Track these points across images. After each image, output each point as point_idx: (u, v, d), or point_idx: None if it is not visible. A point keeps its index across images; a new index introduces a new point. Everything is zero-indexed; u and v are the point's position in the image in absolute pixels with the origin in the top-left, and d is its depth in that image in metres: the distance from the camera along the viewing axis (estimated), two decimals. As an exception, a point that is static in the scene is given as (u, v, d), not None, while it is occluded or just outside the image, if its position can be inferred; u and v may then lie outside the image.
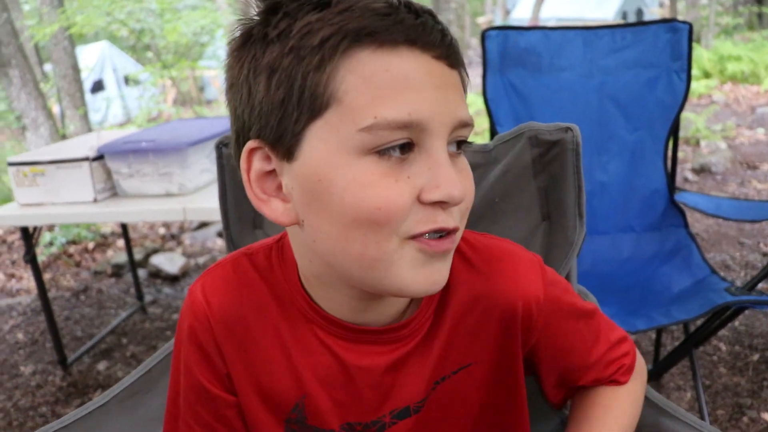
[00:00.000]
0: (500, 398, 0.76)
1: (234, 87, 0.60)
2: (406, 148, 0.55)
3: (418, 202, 0.55)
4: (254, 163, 0.60)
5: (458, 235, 0.60)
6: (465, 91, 0.61)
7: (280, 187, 0.60)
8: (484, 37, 1.88)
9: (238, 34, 0.59)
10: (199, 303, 0.70)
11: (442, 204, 0.56)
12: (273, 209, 0.60)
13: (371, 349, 0.69)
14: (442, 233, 0.57)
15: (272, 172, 0.60)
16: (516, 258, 0.74)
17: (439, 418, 0.73)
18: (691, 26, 1.83)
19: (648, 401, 0.86)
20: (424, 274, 0.58)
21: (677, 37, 1.84)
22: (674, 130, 1.91)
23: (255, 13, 0.58)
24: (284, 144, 0.57)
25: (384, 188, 0.54)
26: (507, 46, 1.90)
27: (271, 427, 0.72)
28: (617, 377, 0.79)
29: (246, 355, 0.70)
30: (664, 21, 1.86)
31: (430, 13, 0.57)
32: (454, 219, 0.58)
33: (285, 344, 0.69)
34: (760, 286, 2.61)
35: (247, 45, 0.58)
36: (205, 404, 0.72)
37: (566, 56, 1.91)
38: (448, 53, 0.57)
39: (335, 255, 0.59)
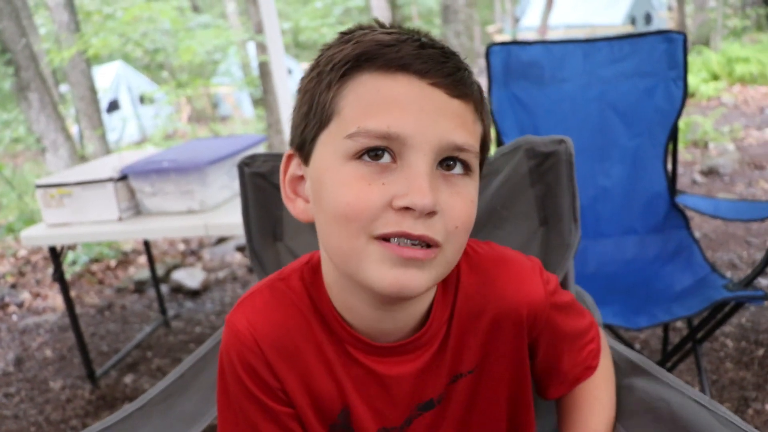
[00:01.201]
0: (511, 392, 0.85)
1: (294, 108, 0.72)
2: (384, 157, 0.62)
3: (390, 207, 0.61)
4: (290, 167, 0.73)
5: (442, 251, 0.64)
6: (482, 120, 0.68)
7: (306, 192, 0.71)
8: (488, 52, 1.95)
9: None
10: (243, 330, 0.75)
11: (411, 211, 0.61)
12: (296, 206, 0.72)
13: (398, 359, 0.76)
14: (412, 240, 0.61)
15: (302, 178, 0.72)
16: (517, 264, 0.82)
17: (458, 409, 0.82)
18: (685, 36, 1.91)
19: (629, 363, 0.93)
20: (393, 275, 0.62)
21: (673, 47, 1.91)
22: (673, 136, 1.98)
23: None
24: (305, 150, 0.69)
25: (356, 188, 0.62)
26: (510, 61, 1.98)
27: None
28: (590, 361, 0.88)
29: (295, 368, 0.76)
30: (659, 32, 1.93)
31: (441, 49, 0.65)
32: (430, 230, 0.62)
33: (327, 357, 0.76)
34: (766, 283, 2.66)
35: (306, 75, 0.70)
36: (273, 423, 0.77)
37: (567, 68, 1.98)
38: (447, 83, 0.64)
39: (326, 247, 0.69)
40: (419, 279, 0.63)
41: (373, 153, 0.62)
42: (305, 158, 0.69)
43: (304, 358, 0.76)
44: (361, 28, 0.68)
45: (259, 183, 1.14)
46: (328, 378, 0.77)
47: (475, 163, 0.67)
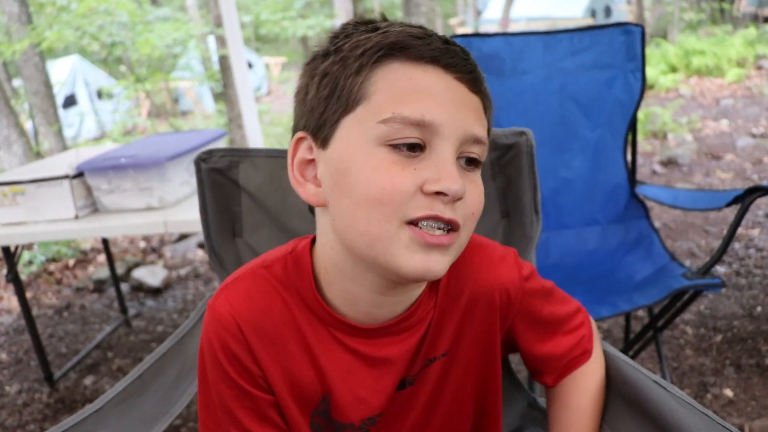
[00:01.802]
0: (480, 375, 0.86)
1: (298, 93, 0.72)
2: (417, 148, 0.64)
3: (421, 192, 0.64)
4: (299, 151, 0.72)
5: (459, 236, 0.67)
6: (488, 119, 0.72)
7: (316, 176, 0.71)
8: (448, 45, 1.95)
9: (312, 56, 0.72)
10: (226, 313, 0.75)
11: (442, 196, 0.64)
12: (307, 191, 0.71)
13: (387, 340, 0.78)
14: (440, 224, 0.65)
15: (312, 162, 0.71)
16: (491, 249, 0.85)
17: (428, 390, 0.83)
18: (643, 28, 1.93)
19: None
20: (418, 259, 0.65)
21: (631, 39, 1.93)
22: (632, 127, 2.00)
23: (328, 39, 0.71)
24: (322, 133, 0.68)
25: (390, 173, 0.63)
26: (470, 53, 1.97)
27: (299, 422, 0.79)
28: (584, 346, 0.89)
29: (276, 355, 0.77)
30: (618, 25, 1.95)
31: (461, 48, 0.69)
32: (455, 214, 0.65)
33: (308, 344, 0.77)
34: (723, 270, 2.72)
35: (314, 60, 0.71)
36: (251, 409, 0.77)
37: (527, 60, 1.99)
38: (470, 78, 0.68)
39: (346, 231, 0.68)
40: (442, 263, 0.66)
41: (410, 145, 0.64)
42: (323, 141, 0.68)
43: (284, 346, 0.77)
44: (373, 21, 0.70)
45: (217, 179, 1.12)
46: (309, 365, 0.77)
47: (484, 155, 0.70)
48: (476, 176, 0.70)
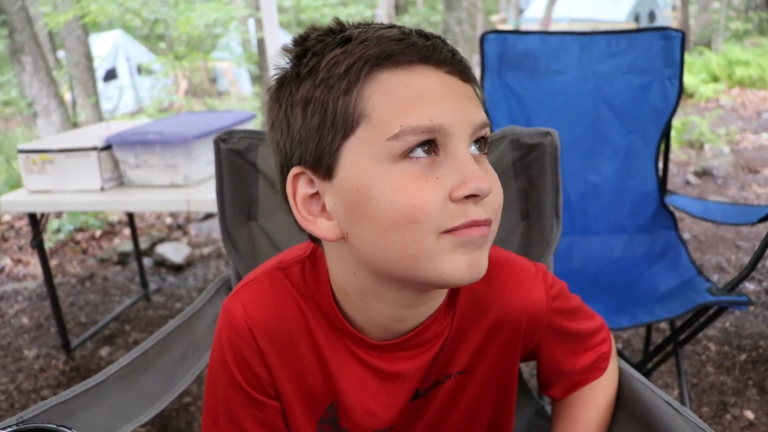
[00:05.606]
0: (496, 395, 0.84)
1: (275, 125, 0.67)
2: (431, 150, 0.61)
3: (450, 200, 0.60)
4: (299, 188, 0.66)
5: (493, 228, 0.65)
6: (482, 102, 0.68)
7: (324, 208, 0.66)
8: (482, 40, 1.92)
9: (273, 81, 0.67)
10: (240, 317, 0.74)
11: (473, 198, 0.61)
12: (320, 227, 0.66)
13: (400, 355, 0.75)
14: (479, 225, 0.62)
15: (315, 195, 0.66)
16: (521, 268, 0.81)
17: (439, 405, 0.81)
18: (683, 34, 1.88)
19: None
20: (465, 261, 0.62)
21: (670, 45, 1.88)
22: (666, 134, 1.95)
23: (287, 61, 0.66)
24: (324, 164, 0.63)
25: (416, 189, 0.59)
26: (505, 50, 1.94)
27: (305, 427, 0.78)
28: (599, 363, 0.86)
29: (287, 359, 0.76)
30: (657, 29, 1.90)
31: (440, 38, 0.65)
32: (486, 212, 0.62)
33: (320, 352, 0.75)
34: (753, 288, 2.65)
35: (283, 86, 0.65)
36: (254, 414, 0.77)
37: (563, 60, 1.95)
38: (460, 69, 0.64)
39: (378, 259, 0.64)
40: (485, 257, 0.64)
41: (425, 147, 0.61)
42: (326, 172, 0.63)
43: (297, 351, 0.75)
44: (335, 30, 0.65)
45: (235, 160, 1.11)
46: (319, 371, 0.76)
47: (490, 133, 0.68)
48: (488, 163, 0.67)
